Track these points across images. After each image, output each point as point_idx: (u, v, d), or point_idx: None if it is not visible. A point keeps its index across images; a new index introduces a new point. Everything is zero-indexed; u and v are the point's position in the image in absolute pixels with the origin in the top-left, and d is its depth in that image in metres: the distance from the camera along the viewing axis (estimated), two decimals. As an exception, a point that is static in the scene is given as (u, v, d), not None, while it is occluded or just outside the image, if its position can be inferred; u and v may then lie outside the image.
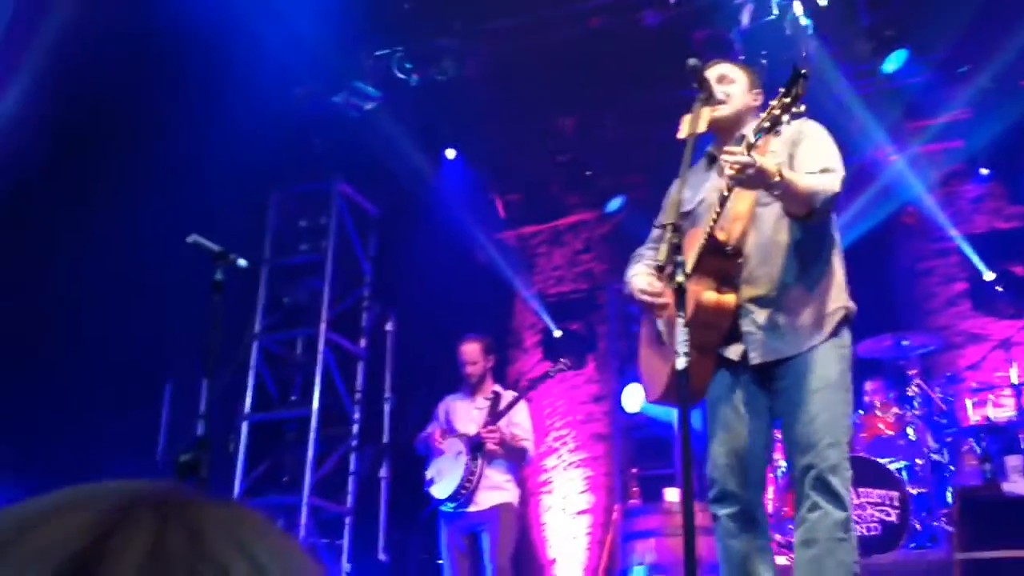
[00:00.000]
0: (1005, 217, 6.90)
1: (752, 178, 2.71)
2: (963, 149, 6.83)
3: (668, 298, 2.91)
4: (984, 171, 6.81)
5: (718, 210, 2.89)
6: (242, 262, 3.28)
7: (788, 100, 2.68)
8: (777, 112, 2.70)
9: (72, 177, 5.86)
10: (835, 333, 2.96)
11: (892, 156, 6.77)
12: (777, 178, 2.71)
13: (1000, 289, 6.57)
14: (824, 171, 2.88)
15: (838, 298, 3.00)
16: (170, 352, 6.40)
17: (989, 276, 6.62)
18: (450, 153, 7.29)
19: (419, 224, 7.34)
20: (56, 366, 6.06)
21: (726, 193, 2.86)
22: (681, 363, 2.59)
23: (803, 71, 2.71)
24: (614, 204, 7.59)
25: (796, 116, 2.72)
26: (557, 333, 7.62)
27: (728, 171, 2.73)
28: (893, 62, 6.33)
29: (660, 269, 2.78)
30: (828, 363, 2.92)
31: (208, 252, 3.23)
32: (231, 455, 6.46)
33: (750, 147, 2.73)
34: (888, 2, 6.09)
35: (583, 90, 6.96)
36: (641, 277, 3.18)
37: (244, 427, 6.67)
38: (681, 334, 2.60)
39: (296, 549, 0.51)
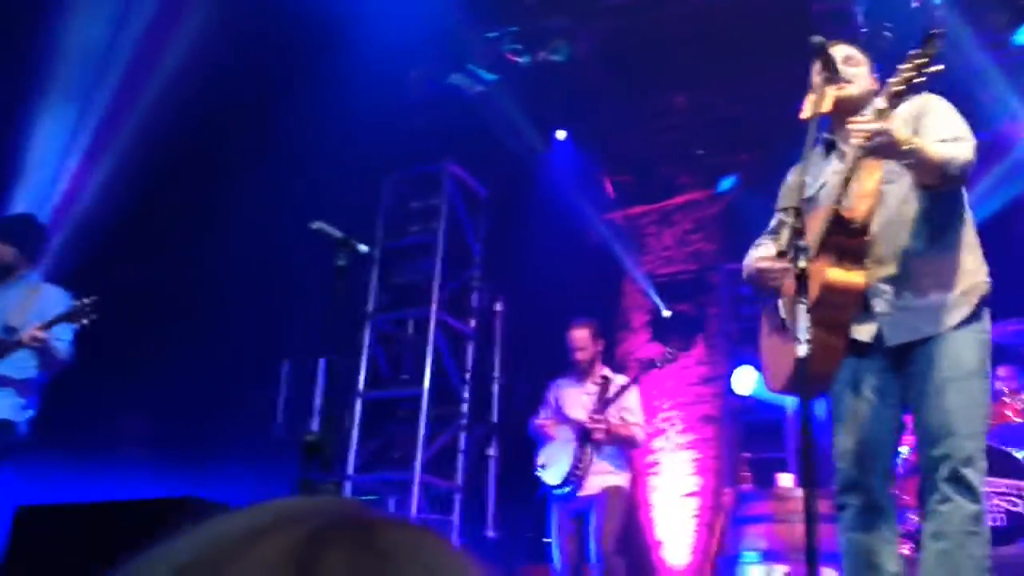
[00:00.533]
0: None
1: (883, 146, 2.62)
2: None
3: (787, 264, 2.83)
4: None
5: (842, 188, 2.80)
6: (363, 248, 3.35)
7: (921, 61, 2.58)
8: (910, 75, 2.60)
9: (202, 161, 6.10)
10: (975, 315, 2.84)
11: (1024, 130, 6.42)
12: (908, 145, 2.62)
13: None
14: (956, 139, 2.77)
15: (975, 273, 2.87)
16: (287, 332, 6.61)
17: None
18: (561, 134, 7.27)
19: (529, 205, 7.36)
20: (185, 343, 6.34)
21: (853, 164, 2.76)
22: (803, 350, 2.53)
23: (936, 31, 2.60)
24: (726, 183, 7.45)
25: (923, 83, 2.62)
26: (666, 313, 7.53)
27: (856, 140, 2.65)
28: (1026, 32, 6.01)
29: (782, 254, 2.72)
30: (966, 348, 2.79)
31: (330, 238, 3.30)
32: (345, 432, 6.65)
33: (880, 113, 2.64)
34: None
35: (695, 67, 6.82)
36: (759, 254, 3.12)
37: (358, 404, 6.84)
38: (803, 320, 2.54)
39: (475, 571, 0.51)
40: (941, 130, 2.81)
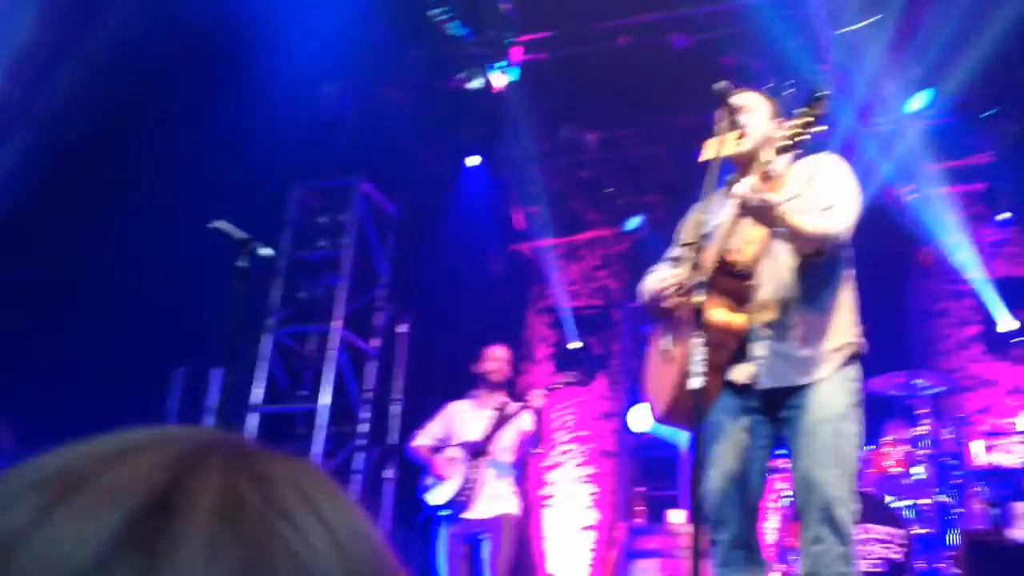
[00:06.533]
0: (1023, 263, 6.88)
1: (757, 213, 2.73)
2: (985, 193, 6.82)
3: (682, 283, 2.92)
4: (1005, 216, 6.78)
5: (729, 232, 2.89)
6: (265, 251, 3.24)
7: (807, 121, 2.70)
8: (795, 133, 2.72)
9: (100, 156, 5.91)
10: (844, 367, 2.93)
11: (912, 195, 6.75)
12: (781, 222, 2.73)
13: (1018, 339, 6.50)
14: (829, 209, 2.86)
15: (848, 332, 2.97)
16: (182, 338, 6.42)
17: (1010, 323, 6.54)
18: (473, 160, 7.32)
19: (438, 229, 7.36)
20: (71, 343, 6.08)
21: (734, 218, 2.85)
22: (696, 383, 2.59)
23: (823, 92, 2.73)
24: (633, 223, 7.61)
25: (810, 143, 2.74)
26: (573, 345, 7.58)
27: (732, 202, 2.75)
28: (917, 101, 6.38)
29: (680, 288, 2.79)
30: (837, 394, 2.88)
31: (232, 239, 3.21)
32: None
33: (766, 177, 2.74)
34: (915, 42, 6.12)
35: (609, 107, 6.98)
36: (653, 279, 3.18)
37: (254, 418, 6.68)
38: (698, 353, 2.61)
39: (357, 509, 0.50)
40: (820, 199, 2.89)
